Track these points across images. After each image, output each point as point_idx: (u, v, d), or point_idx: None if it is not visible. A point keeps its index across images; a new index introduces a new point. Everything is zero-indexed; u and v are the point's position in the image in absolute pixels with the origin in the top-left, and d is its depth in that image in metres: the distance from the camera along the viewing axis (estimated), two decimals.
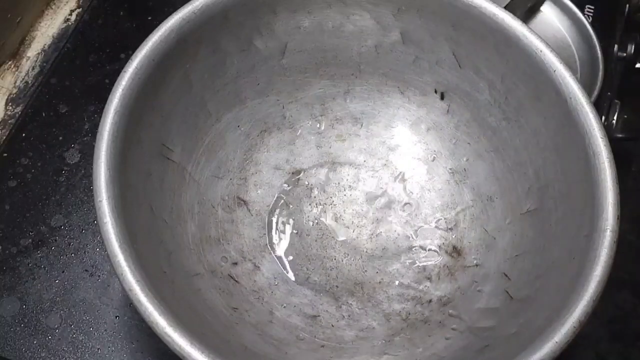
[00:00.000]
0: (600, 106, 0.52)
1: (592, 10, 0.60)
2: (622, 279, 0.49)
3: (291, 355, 0.39)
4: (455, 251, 0.45)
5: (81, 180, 0.50)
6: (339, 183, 0.48)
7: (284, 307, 0.42)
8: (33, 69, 0.54)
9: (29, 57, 0.55)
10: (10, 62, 0.54)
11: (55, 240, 0.48)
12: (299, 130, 0.48)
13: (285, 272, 0.44)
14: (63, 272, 0.47)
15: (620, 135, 0.51)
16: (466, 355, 0.37)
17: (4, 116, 0.52)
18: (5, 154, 0.51)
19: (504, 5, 0.42)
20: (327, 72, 0.47)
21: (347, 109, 0.48)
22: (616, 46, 0.55)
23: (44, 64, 0.55)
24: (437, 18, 0.41)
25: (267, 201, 0.47)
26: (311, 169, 0.48)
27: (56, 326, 0.45)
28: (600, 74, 0.52)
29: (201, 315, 0.37)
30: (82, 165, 0.51)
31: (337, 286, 0.44)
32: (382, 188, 0.48)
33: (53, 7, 0.57)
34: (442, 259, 0.45)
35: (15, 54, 0.55)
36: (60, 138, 0.52)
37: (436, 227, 0.46)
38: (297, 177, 0.48)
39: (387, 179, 0.48)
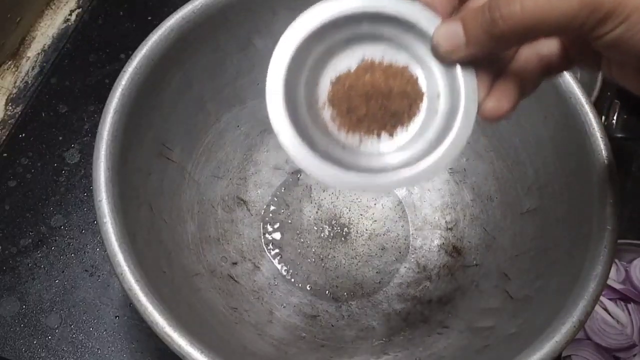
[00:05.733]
0: (600, 106, 0.52)
1: None
2: None
3: (291, 355, 0.39)
4: (455, 251, 0.44)
5: (81, 180, 0.50)
6: None
7: (284, 307, 0.42)
8: (33, 69, 0.54)
9: (29, 57, 0.55)
10: (10, 62, 0.54)
11: (55, 240, 0.48)
12: None
13: (284, 272, 0.44)
14: (63, 272, 0.47)
15: (620, 135, 0.51)
16: (466, 355, 0.37)
17: (4, 116, 0.52)
18: (5, 154, 0.51)
19: None
20: None
21: None
22: None
23: (44, 64, 0.55)
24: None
25: (267, 201, 0.47)
26: None
27: (56, 326, 0.45)
28: (600, 74, 0.52)
29: (201, 315, 0.37)
30: (82, 165, 0.51)
31: (336, 286, 0.44)
32: None
33: (53, 7, 0.57)
34: (442, 258, 0.45)
35: (15, 54, 0.55)
36: (60, 138, 0.52)
37: (436, 227, 0.46)
38: (297, 176, 0.48)
39: None
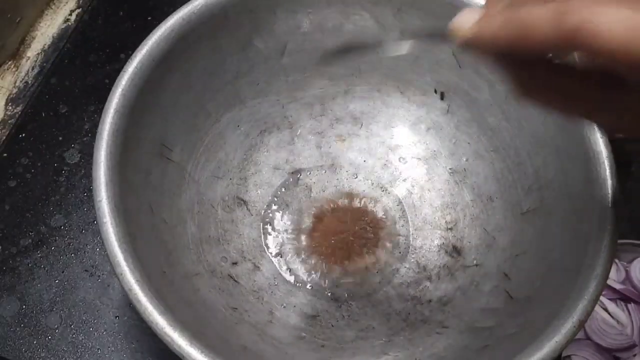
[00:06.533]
0: None
1: None
2: None
3: (291, 355, 0.39)
4: (455, 251, 0.44)
5: (81, 180, 0.50)
6: (338, 183, 0.48)
7: (284, 307, 0.42)
8: (33, 69, 0.54)
9: (29, 57, 0.55)
10: (10, 62, 0.54)
11: (55, 240, 0.48)
12: (299, 130, 0.48)
13: (284, 272, 0.44)
14: (63, 272, 0.47)
15: (620, 135, 0.51)
16: (466, 355, 0.37)
17: (4, 116, 0.52)
18: (5, 154, 0.51)
19: None
20: (327, 72, 0.47)
21: (347, 109, 0.48)
22: None
23: (44, 64, 0.55)
24: (437, 18, 0.41)
25: (267, 201, 0.47)
26: (311, 168, 0.48)
27: (56, 326, 0.45)
28: None
29: (201, 315, 0.37)
30: (82, 165, 0.51)
31: (336, 286, 0.44)
32: (381, 188, 0.48)
33: (53, 7, 0.57)
34: (442, 258, 0.45)
35: (15, 54, 0.55)
36: (60, 138, 0.52)
37: (436, 227, 0.46)
38: (297, 177, 0.48)
39: (387, 179, 0.48)
